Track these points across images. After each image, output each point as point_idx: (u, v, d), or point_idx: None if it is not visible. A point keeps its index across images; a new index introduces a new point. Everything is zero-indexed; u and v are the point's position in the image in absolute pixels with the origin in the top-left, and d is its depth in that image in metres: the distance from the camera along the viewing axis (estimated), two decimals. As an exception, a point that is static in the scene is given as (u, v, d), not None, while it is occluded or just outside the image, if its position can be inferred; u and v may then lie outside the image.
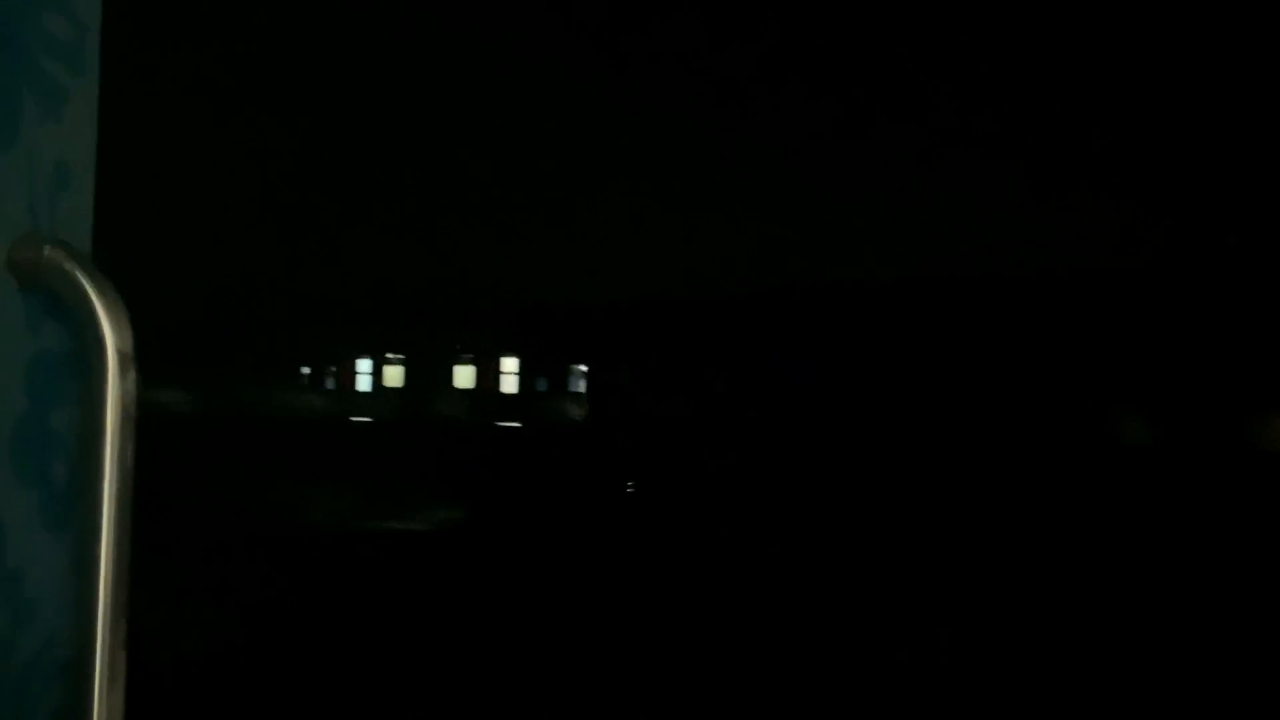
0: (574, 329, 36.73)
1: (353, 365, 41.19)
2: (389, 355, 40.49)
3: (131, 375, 0.80)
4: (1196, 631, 8.69)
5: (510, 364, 38.78)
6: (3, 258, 0.78)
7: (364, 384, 41.20)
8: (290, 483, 18.13)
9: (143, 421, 0.82)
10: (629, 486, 20.46)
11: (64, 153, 0.86)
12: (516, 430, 34.18)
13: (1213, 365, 26.53)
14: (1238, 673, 7.48)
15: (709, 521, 15.09)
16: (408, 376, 40.22)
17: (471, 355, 39.02)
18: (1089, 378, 28.02)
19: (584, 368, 37.19)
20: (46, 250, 0.79)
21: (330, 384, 41.67)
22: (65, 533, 0.84)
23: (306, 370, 41.58)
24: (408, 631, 7.94)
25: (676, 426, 30.40)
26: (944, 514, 16.66)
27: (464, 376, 39.55)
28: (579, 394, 37.43)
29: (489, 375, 38.88)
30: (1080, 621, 9.08)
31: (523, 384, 38.70)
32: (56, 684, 0.83)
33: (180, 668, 6.46)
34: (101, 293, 0.79)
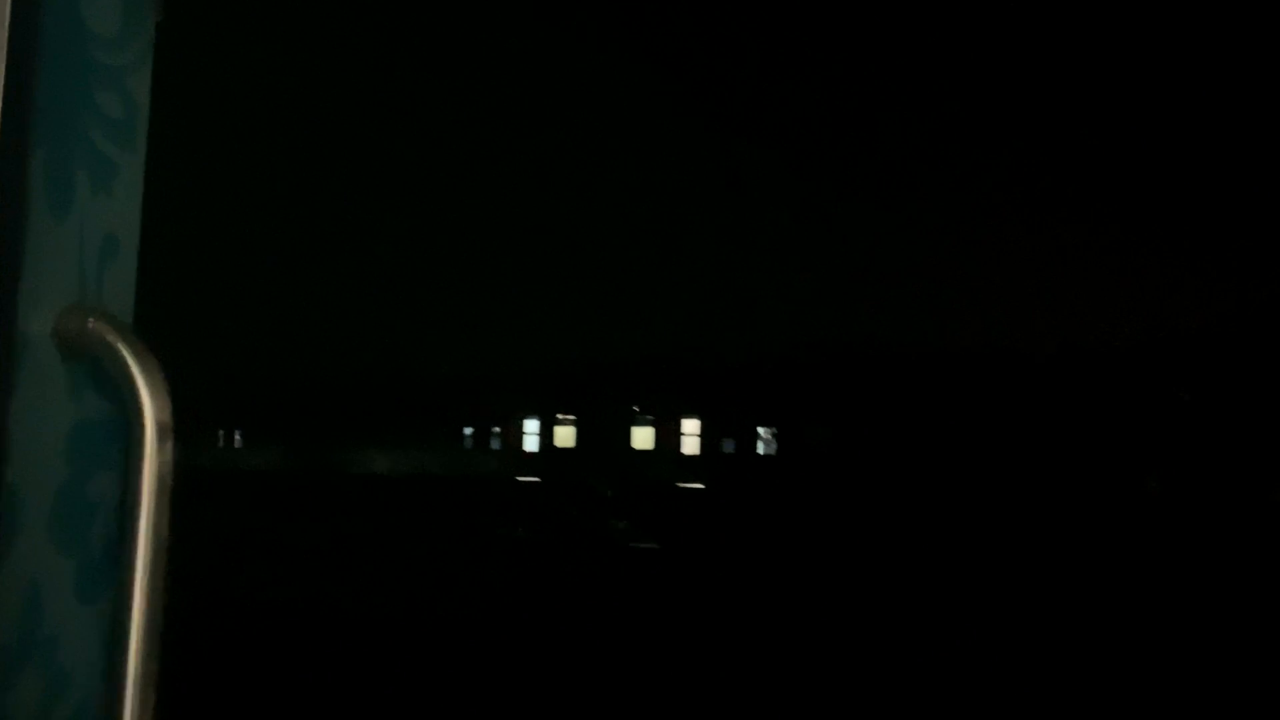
0: (757, 389, 36.34)
1: (520, 425, 40.86)
2: (559, 415, 40.07)
3: (169, 445, 0.81)
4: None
5: (691, 425, 37.89)
6: (49, 327, 0.79)
7: (531, 444, 40.66)
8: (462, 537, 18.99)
9: (178, 491, 0.82)
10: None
11: (112, 225, 0.88)
12: (699, 491, 33.69)
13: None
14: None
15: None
16: (580, 436, 39.66)
17: (651, 416, 38.63)
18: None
19: (769, 429, 36.69)
20: (91, 322, 0.80)
21: (495, 444, 41.48)
22: (100, 602, 0.84)
23: (469, 430, 41.89)
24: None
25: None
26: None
27: (643, 438, 38.76)
28: (764, 455, 36.95)
29: (669, 435, 38.32)
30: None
31: (705, 445, 37.74)
32: None
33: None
34: (142, 363, 0.81)
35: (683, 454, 38.17)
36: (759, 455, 37.57)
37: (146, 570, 0.79)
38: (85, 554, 0.84)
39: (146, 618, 0.78)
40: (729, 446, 37.71)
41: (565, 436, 40.49)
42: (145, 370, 0.80)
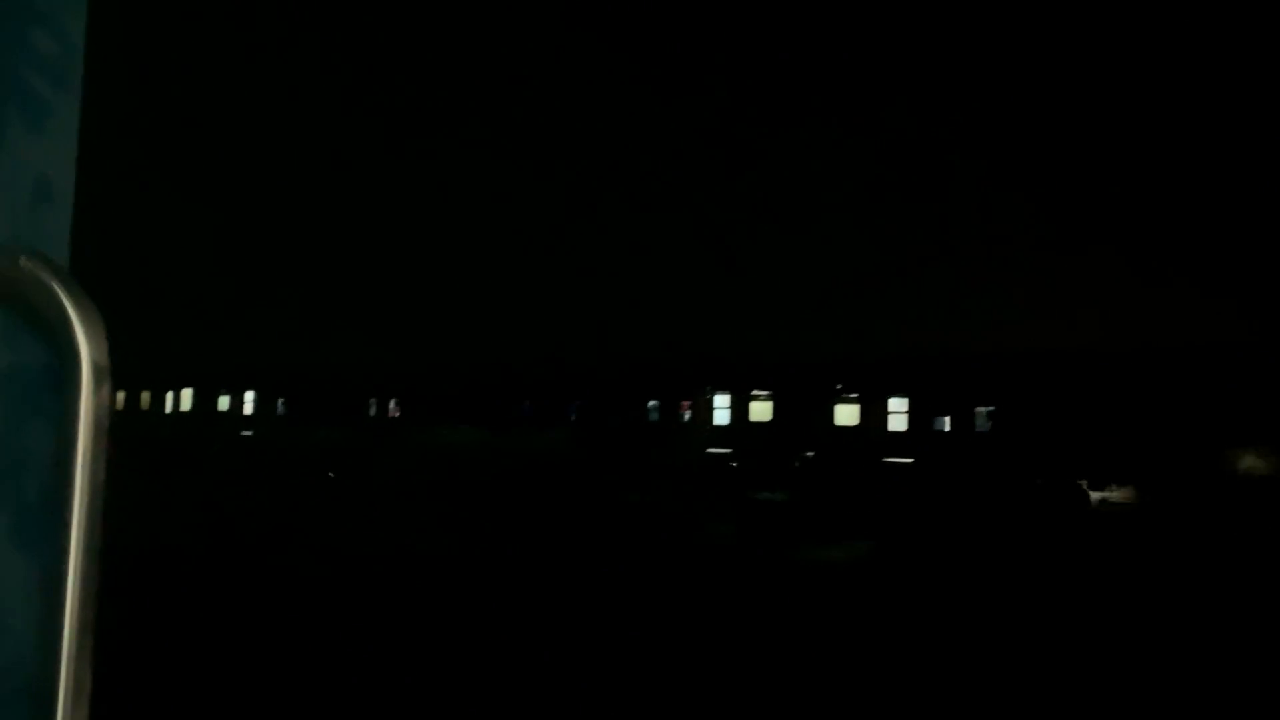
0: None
1: (710, 400, 42.40)
2: (755, 391, 41.44)
3: (106, 389, 0.78)
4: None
5: (899, 404, 39.44)
6: None
7: (722, 418, 42.14)
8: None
9: (114, 434, 0.78)
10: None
11: (45, 166, 0.84)
12: (907, 466, 36.02)
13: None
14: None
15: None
16: (778, 411, 41.02)
17: (855, 395, 39.87)
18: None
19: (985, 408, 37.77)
20: (23, 261, 0.78)
21: (686, 417, 42.89)
22: (36, 550, 0.81)
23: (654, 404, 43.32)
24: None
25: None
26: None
27: (846, 414, 40.15)
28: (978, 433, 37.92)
29: (875, 414, 39.72)
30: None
31: (914, 422, 39.12)
32: (21, 704, 0.80)
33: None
34: (79, 305, 0.78)
35: (889, 430, 39.30)
36: (972, 433, 38.16)
37: (84, 517, 0.78)
38: (19, 501, 0.83)
39: (84, 565, 0.77)
40: (941, 425, 38.97)
41: (761, 411, 41.35)
42: (82, 312, 0.79)
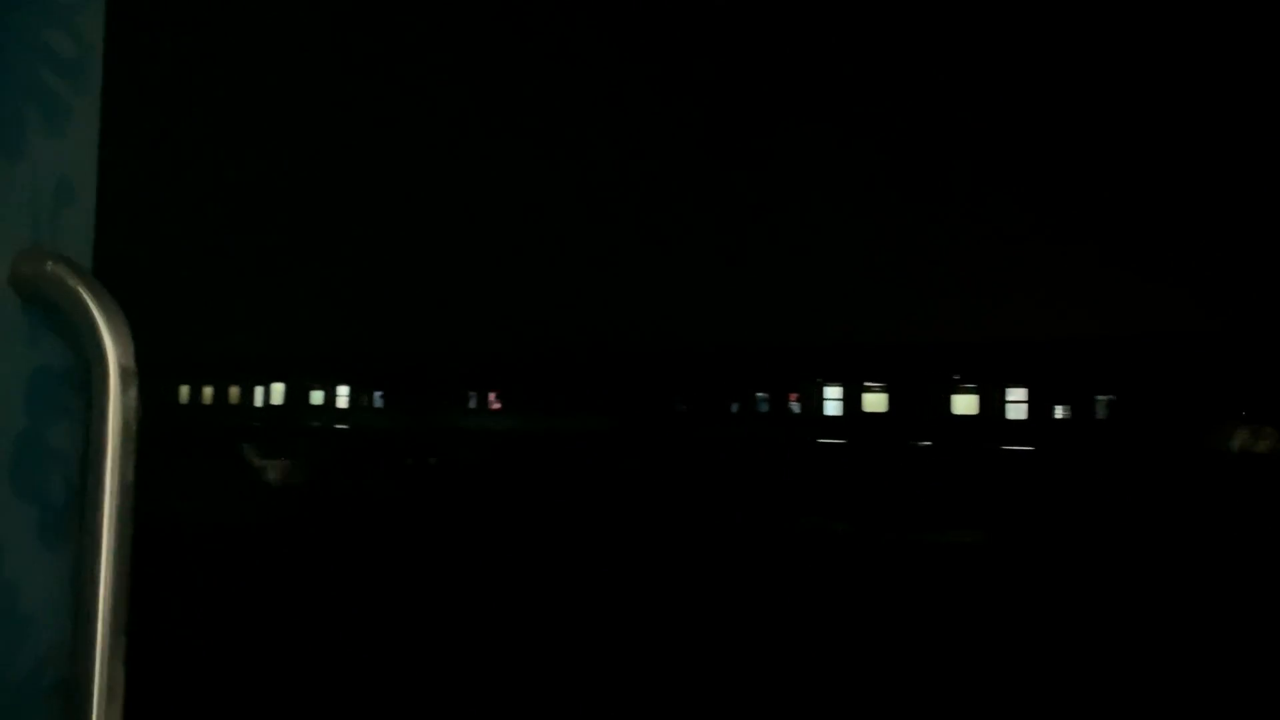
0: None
1: (820, 390, 42.58)
2: (868, 383, 41.59)
3: (133, 390, 0.79)
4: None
5: (1018, 393, 39.36)
6: (5, 272, 0.78)
7: (833, 409, 42.35)
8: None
9: (143, 436, 0.79)
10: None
11: (67, 167, 0.84)
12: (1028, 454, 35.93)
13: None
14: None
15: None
16: (893, 402, 41.14)
17: (973, 385, 40.04)
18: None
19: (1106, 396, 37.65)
20: (49, 265, 0.78)
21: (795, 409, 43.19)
22: (63, 549, 0.81)
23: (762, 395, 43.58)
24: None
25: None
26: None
27: (964, 404, 40.27)
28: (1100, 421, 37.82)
29: (994, 402, 39.71)
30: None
31: (1034, 411, 38.97)
32: (52, 701, 0.81)
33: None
34: (103, 307, 0.78)
35: (1007, 419, 39.14)
36: (1095, 421, 38.01)
37: (113, 519, 0.78)
38: (47, 501, 0.83)
39: (113, 565, 0.78)
40: (1062, 413, 38.66)
41: (876, 402, 41.43)
42: (107, 313, 0.79)
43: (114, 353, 0.78)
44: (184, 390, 58.01)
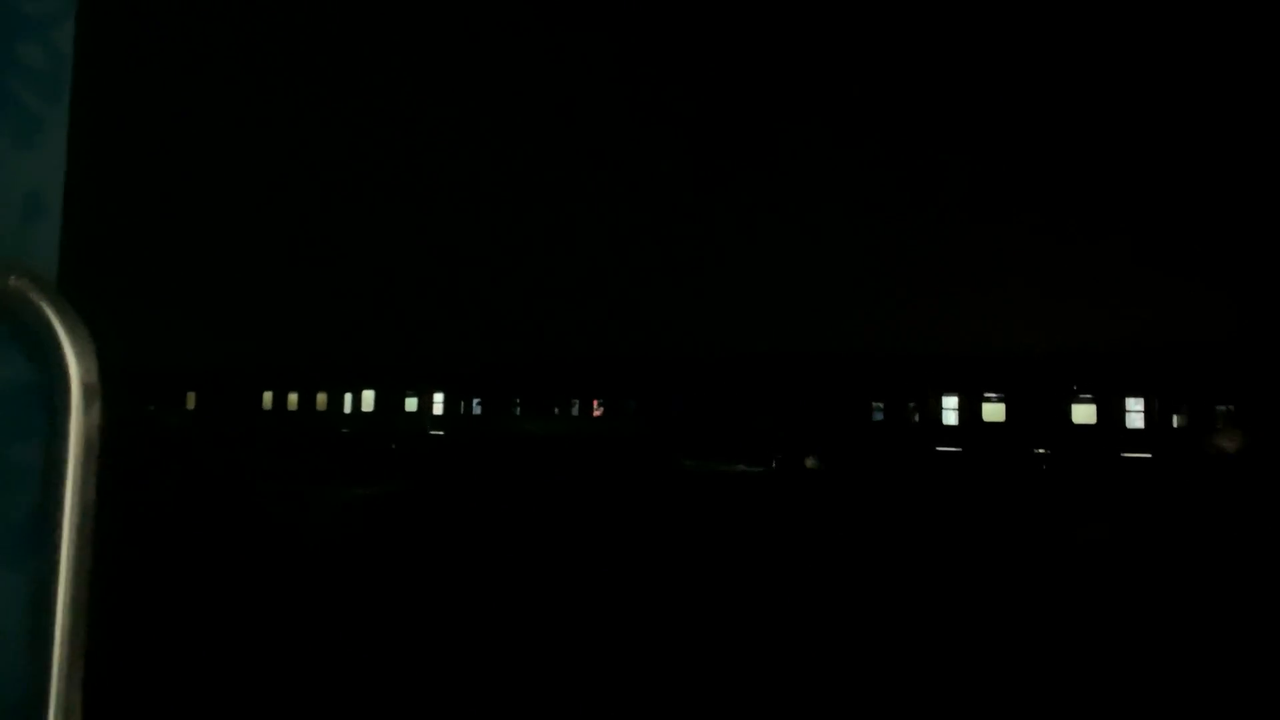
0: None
1: (938, 400, 43.69)
2: (987, 394, 42.73)
3: (96, 407, 0.78)
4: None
5: (1135, 403, 40.40)
6: None
7: (950, 419, 43.45)
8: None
9: (106, 453, 0.79)
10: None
11: (34, 181, 0.85)
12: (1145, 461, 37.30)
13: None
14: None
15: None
16: (1011, 412, 42.10)
17: (1089, 395, 40.98)
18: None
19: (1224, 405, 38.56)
20: (12, 280, 0.78)
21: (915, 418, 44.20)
22: (26, 569, 0.80)
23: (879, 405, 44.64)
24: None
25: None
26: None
27: (1082, 413, 41.30)
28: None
29: (1112, 411, 40.75)
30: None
31: (1151, 420, 39.98)
32: None
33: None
34: (67, 322, 0.78)
35: (1126, 428, 40.40)
36: (1214, 429, 38.94)
37: (74, 536, 0.76)
38: (8, 520, 0.80)
39: (72, 587, 0.76)
40: (1179, 422, 39.68)
41: (994, 412, 42.52)
42: (70, 329, 0.77)
43: (77, 369, 0.78)
44: (267, 396, 58.23)
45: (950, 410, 43.84)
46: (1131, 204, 54.82)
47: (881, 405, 44.89)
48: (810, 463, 39.83)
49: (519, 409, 51.17)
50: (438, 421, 53.04)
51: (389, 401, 54.70)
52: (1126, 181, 55.74)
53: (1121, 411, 41.01)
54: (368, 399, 55.66)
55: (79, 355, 0.78)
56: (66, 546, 0.76)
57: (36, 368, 0.80)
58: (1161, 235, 52.00)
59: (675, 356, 48.01)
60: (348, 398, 56.16)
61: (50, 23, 0.85)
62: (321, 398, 56.70)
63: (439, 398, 53.53)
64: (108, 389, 0.79)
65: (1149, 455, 39.19)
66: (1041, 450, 40.61)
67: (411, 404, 54.23)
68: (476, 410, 52.53)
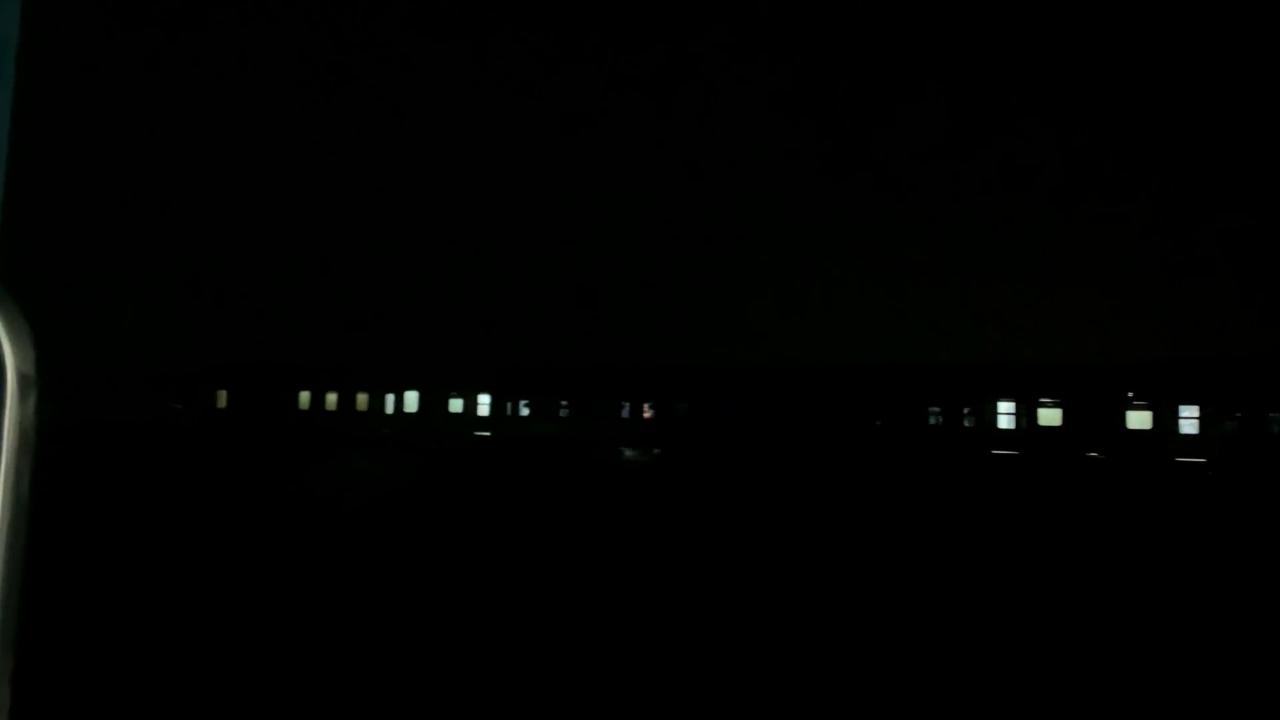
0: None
1: (994, 406, 44.76)
2: (1043, 399, 43.81)
3: (32, 398, 0.76)
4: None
5: (1190, 410, 41.64)
6: None
7: (1006, 423, 44.60)
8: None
9: (43, 444, 0.73)
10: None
11: None
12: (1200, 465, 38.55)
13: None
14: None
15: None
16: (1068, 417, 43.29)
17: (1145, 401, 42.29)
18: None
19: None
20: None
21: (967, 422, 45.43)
22: None
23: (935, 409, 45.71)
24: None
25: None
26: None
27: (1138, 419, 42.65)
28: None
29: (1167, 418, 42.03)
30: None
31: (1205, 426, 41.06)
32: None
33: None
34: (4, 314, 0.75)
35: (1180, 433, 41.67)
36: (1268, 436, 40.12)
37: (7, 526, 0.72)
38: None
39: (5, 574, 0.72)
40: (1233, 429, 40.77)
41: (1050, 417, 43.76)
42: (7, 319, 0.74)
43: (13, 361, 0.75)
44: (304, 396, 58.18)
45: (1005, 415, 45.23)
46: (1194, 213, 55.94)
47: (939, 410, 46.35)
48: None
49: (569, 410, 51.84)
50: (483, 423, 53.51)
51: (432, 402, 55.03)
52: (1189, 191, 56.83)
53: (1175, 418, 42.34)
54: (410, 400, 55.93)
55: (16, 346, 0.75)
56: None
57: None
58: (1222, 245, 53.06)
59: (731, 363, 48.91)
60: (389, 398, 56.37)
61: None
62: (362, 398, 56.84)
63: (484, 399, 54.00)
64: (46, 380, 0.76)
65: (1203, 460, 40.67)
66: (1096, 454, 42.14)
67: (456, 405, 54.62)
68: (524, 411, 53.09)
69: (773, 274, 59.81)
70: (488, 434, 52.98)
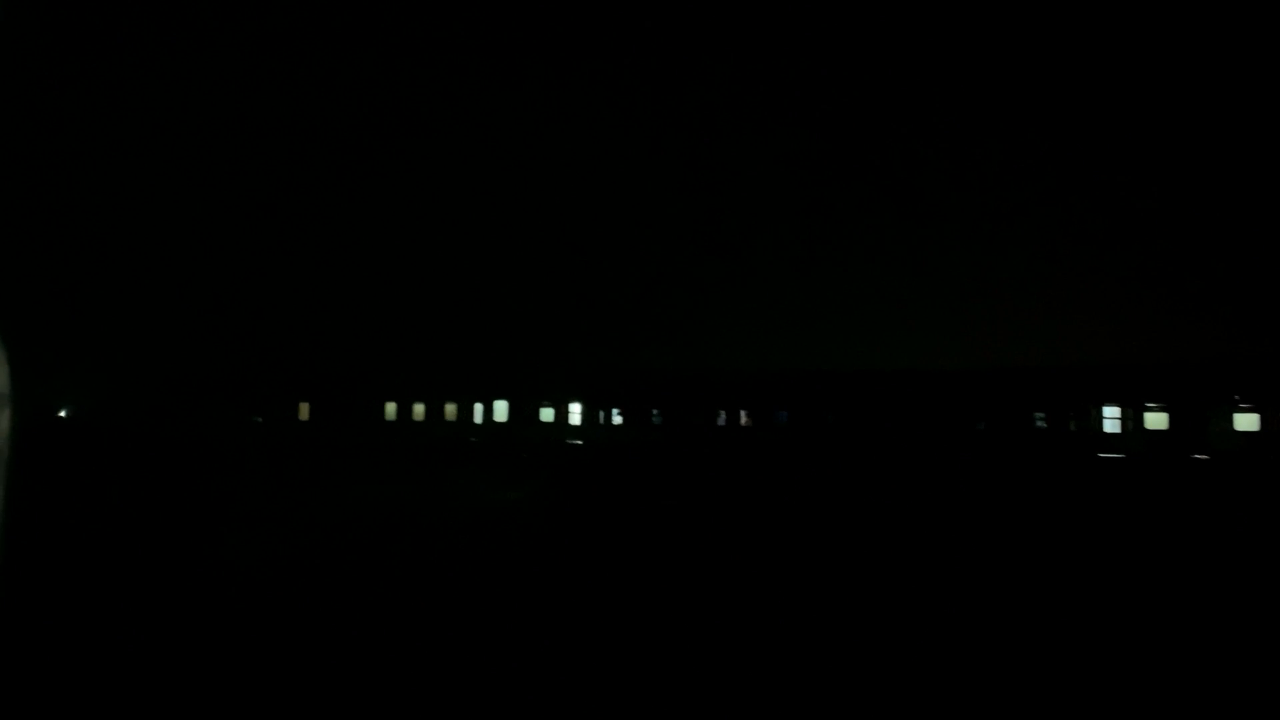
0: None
1: (1099, 411, 46.27)
2: (1148, 404, 45.65)
3: (6, 414, 0.74)
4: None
5: None
6: None
7: (1111, 427, 46.37)
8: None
9: (15, 463, 0.69)
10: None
11: None
12: None
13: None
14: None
15: None
16: (1171, 421, 44.94)
17: (1249, 405, 43.80)
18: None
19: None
20: None
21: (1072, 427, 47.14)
22: None
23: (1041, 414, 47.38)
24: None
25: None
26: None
27: (1244, 421, 44.48)
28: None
29: (1274, 419, 43.47)
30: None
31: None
32: None
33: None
34: None
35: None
36: None
37: None
38: None
39: None
40: None
41: (1156, 420, 45.66)
42: None
43: None
44: (390, 407, 58.91)
45: (1111, 420, 46.17)
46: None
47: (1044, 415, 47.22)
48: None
49: (659, 418, 52.73)
50: (574, 431, 54.26)
51: (522, 412, 55.87)
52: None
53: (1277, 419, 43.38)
54: (499, 409, 56.75)
55: None
56: None
57: None
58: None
59: (825, 369, 50.09)
60: (478, 408, 57.19)
61: None
62: (450, 408, 57.63)
63: (575, 408, 54.89)
64: (20, 395, 0.73)
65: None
66: (1201, 456, 42.81)
67: (547, 414, 55.47)
68: (617, 420, 53.97)
69: (860, 281, 60.79)
70: (579, 442, 53.73)
